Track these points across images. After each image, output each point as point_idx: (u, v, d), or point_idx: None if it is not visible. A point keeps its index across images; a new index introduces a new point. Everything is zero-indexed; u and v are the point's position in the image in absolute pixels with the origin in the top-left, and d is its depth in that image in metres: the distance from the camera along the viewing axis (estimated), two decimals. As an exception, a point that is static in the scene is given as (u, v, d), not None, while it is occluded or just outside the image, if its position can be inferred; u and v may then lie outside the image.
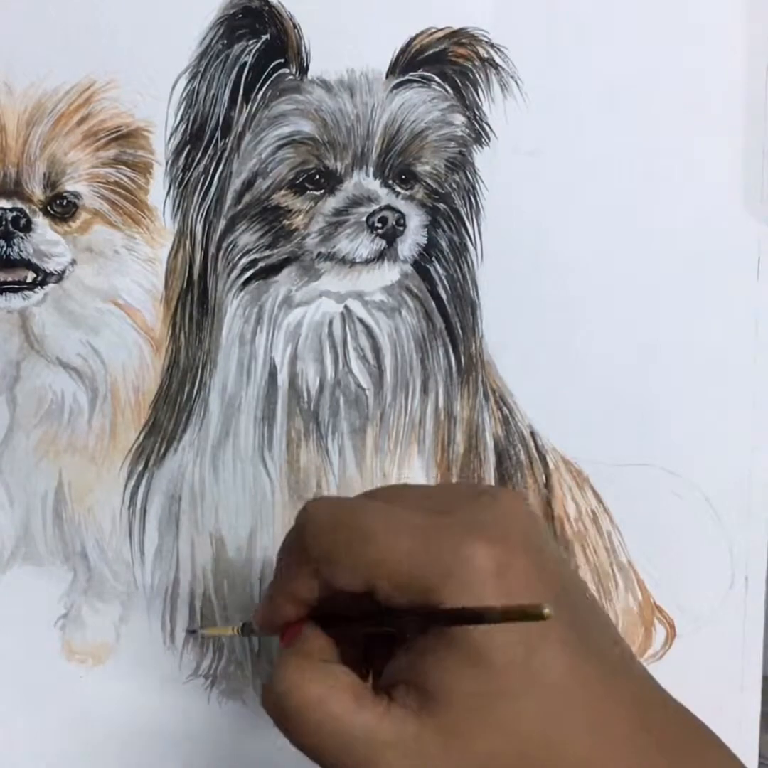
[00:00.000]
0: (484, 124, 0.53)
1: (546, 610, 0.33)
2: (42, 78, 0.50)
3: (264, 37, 0.50)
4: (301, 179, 0.51)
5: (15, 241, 0.50)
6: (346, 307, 0.53)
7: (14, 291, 0.51)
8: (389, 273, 0.52)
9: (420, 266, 0.53)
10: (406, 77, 0.52)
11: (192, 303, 0.52)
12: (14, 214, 0.50)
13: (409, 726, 0.37)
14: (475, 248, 0.53)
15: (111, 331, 0.52)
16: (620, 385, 0.54)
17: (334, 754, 0.38)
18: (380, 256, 0.51)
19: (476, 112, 0.53)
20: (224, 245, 0.51)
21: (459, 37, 0.52)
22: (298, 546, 0.41)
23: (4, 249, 0.50)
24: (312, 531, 0.40)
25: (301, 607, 0.41)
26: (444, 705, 0.37)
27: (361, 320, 0.53)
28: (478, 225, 0.53)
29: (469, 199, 0.53)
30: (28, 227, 0.50)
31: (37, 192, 0.50)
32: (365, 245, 0.51)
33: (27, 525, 0.52)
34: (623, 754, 0.38)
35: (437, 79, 0.52)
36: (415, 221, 0.52)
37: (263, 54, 0.50)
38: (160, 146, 0.51)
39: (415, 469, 0.53)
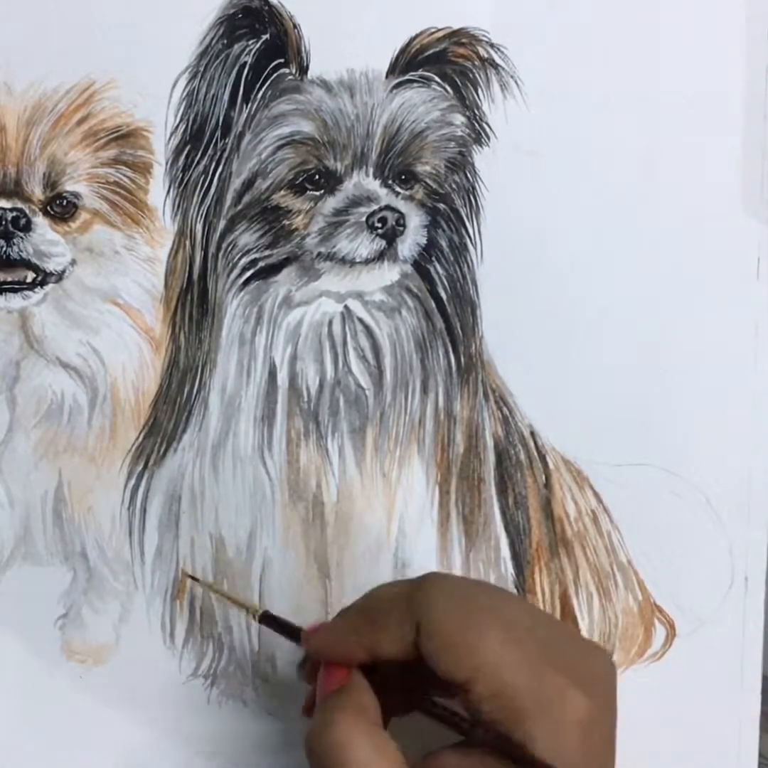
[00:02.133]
0: (484, 124, 0.53)
1: None
2: (42, 78, 0.50)
3: (264, 37, 0.50)
4: (301, 179, 0.51)
5: (15, 241, 0.50)
6: (346, 307, 0.53)
7: (14, 291, 0.51)
8: (389, 273, 0.52)
9: (420, 266, 0.53)
10: (406, 77, 0.52)
11: (192, 303, 0.52)
12: (14, 214, 0.50)
13: None
14: (475, 248, 0.53)
15: (111, 331, 0.52)
16: (620, 385, 0.54)
17: None
18: (380, 256, 0.51)
19: (476, 112, 0.53)
20: (224, 245, 0.51)
21: (459, 37, 0.52)
22: (406, 612, 0.41)
23: (4, 249, 0.50)
24: (429, 606, 0.40)
25: (369, 656, 0.41)
26: None
27: (361, 320, 0.53)
28: (478, 225, 0.53)
29: (469, 199, 0.53)
30: (28, 227, 0.50)
31: (37, 192, 0.50)
32: (365, 245, 0.51)
33: (27, 525, 0.52)
34: None
35: (437, 79, 0.52)
36: (415, 221, 0.52)
37: (263, 54, 0.50)
38: (160, 146, 0.51)
39: (415, 469, 0.53)
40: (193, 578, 0.52)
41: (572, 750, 0.37)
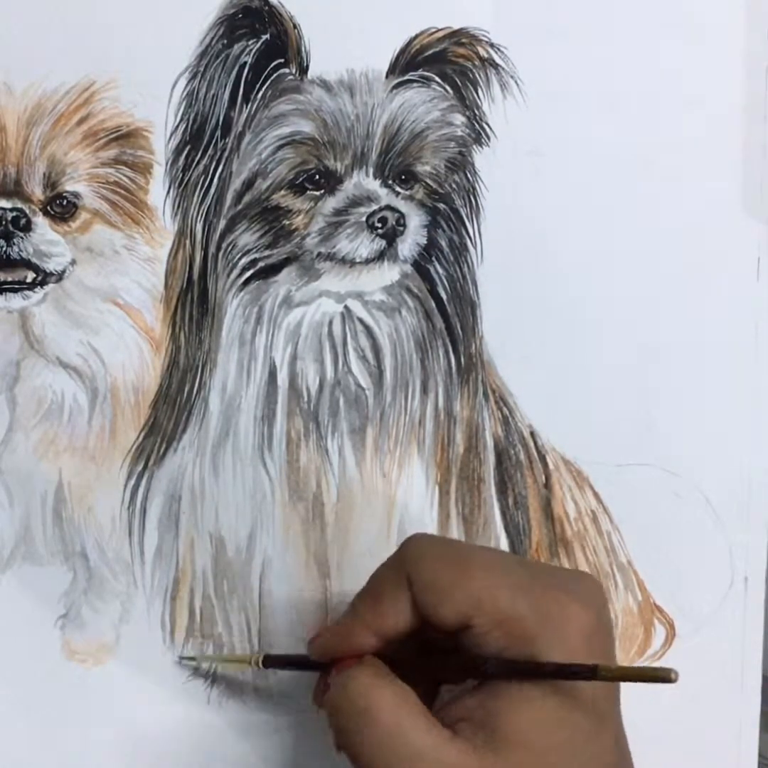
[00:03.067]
0: (484, 124, 0.53)
1: (673, 675, 0.35)
2: (42, 78, 0.50)
3: (264, 37, 0.50)
4: (301, 179, 0.51)
5: (15, 241, 0.50)
6: (346, 307, 0.53)
7: (14, 291, 0.51)
8: (389, 273, 0.52)
9: (420, 266, 0.53)
10: (406, 77, 0.52)
11: (192, 303, 0.52)
12: (14, 214, 0.50)
13: (470, 760, 0.38)
14: (475, 248, 0.53)
15: (111, 331, 0.52)
16: (620, 385, 0.54)
17: (389, 763, 0.38)
18: (380, 256, 0.51)
19: (476, 112, 0.53)
20: (224, 245, 0.51)
21: (459, 37, 0.52)
22: (397, 575, 0.41)
23: (4, 249, 0.50)
24: (416, 559, 0.41)
25: (378, 639, 0.42)
26: (516, 746, 0.38)
27: (361, 320, 0.53)
28: (478, 225, 0.53)
29: (469, 199, 0.53)
30: (28, 227, 0.50)
31: (37, 192, 0.50)
32: (365, 245, 0.51)
33: (27, 525, 0.52)
34: None
35: (437, 79, 0.52)
36: (415, 221, 0.52)
37: (263, 54, 0.50)
38: (160, 146, 0.51)
39: (415, 469, 0.53)
40: (190, 658, 0.52)
41: (579, 658, 0.38)
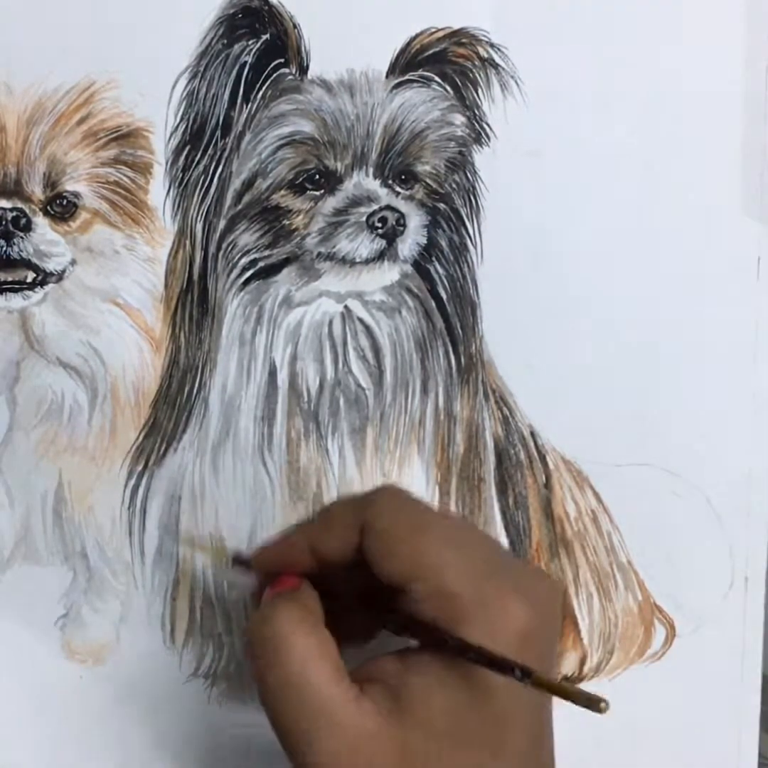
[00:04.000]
0: (484, 124, 0.53)
1: (603, 705, 0.34)
2: (42, 78, 0.50)
3: (264, 37, 0.50)
4: (301, 179, 0.51)
5: (15, 240, 0.50)
6: (346, 307, 0.53)
7: (14, 291, 0.51)
8: (389, 273, 0.52)
9: (420, 266, 0.53)
10: (406, 77, 0.52)
11: (192, 303, 0.52)
12: (14, 214, 0.50)
13: (369, 722, 0.38)
14: (475, 248, 0.53)
15: (111, 331, 0.52)
16: (620, 385, 0.54)
17: (292, 711, 0.38)
18: (380, 256, 0.51)
19: (476, 112, 0.53)
20: (224, 245, 0.51)
21: (459, 37, 0.52)
22: (356, 511, 0.41)
23: (4, 249, 0.50)
24: (381, 506, 0.41)
25: (315, 560, 0.41)
26: (420, 725, 0.38)
27: (361, 320, 0.53)
28: (478, 225, 0.53)
29: (469, 199, 0.53)
30: (28, 227, 0.50)
31: (37, 192, 0.50)
32: (365, 245, 0.51)
33: (27, 525, 0.52)
34: None
35: (437, 79, 0.52)
36: (415, 221, 0.52)
37: (263, 54, 0.50)
38: (160, 146, 0.51)
39: (415, 469, 0.53)
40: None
41: (509, 652, 0.37)
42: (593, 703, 0.34)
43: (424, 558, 0.39)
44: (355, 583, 0.42)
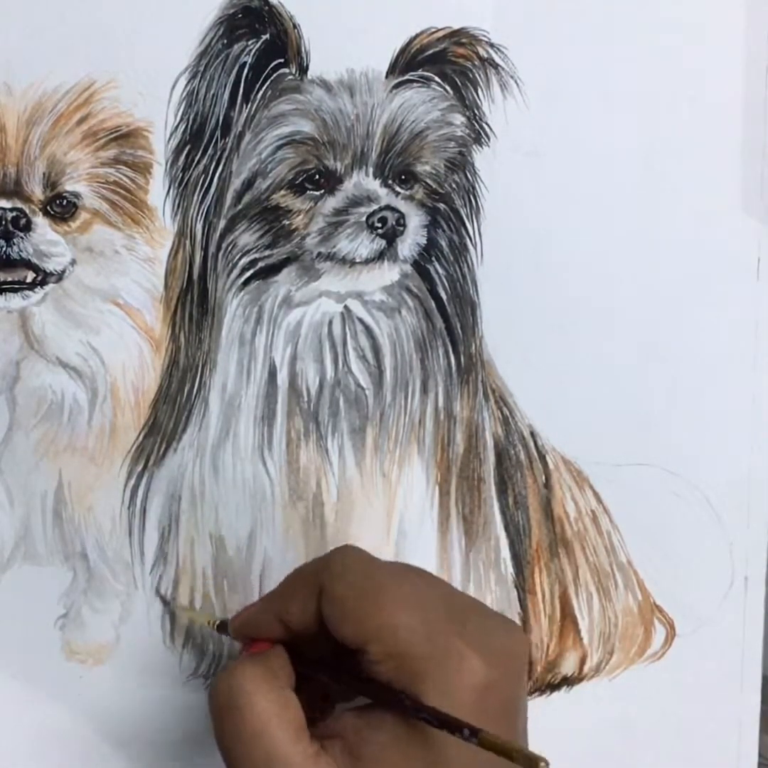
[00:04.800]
0: (484, 124, 0.53)
1: (542, 765, 0.35)
2: (42, 78, 0.50)
3: (264, 37, 0.50)
4: (300, 179, 0.51)
5: (15, 241, 0.50)
6: (346, 307, 0.53)
7: (14, 291, 0.51)
8: (389, 273, 0.52)
9: (420, 266, 0.53)
10: (406, 77, 0.52)
11: (192, 303, 0.52)
12: (14, 214, 0.50)
13: None
14: (475, 248, 0.53)
15: (111, 331, 0.52)
16: (620, 385, 0.54)
17: (246, 765, 0.39)
18: (380, 256, 0.51)
19: (476, 112, 0.53)
20: (224, 245, 0.51)
21: (459, 37, 0.52)
22: (313, 579, 0.42)
23: (4, 249, 0.50)
24: (335, 571, 0.41)
25: (285, 630, 0.42)
26: None
27: (361, 320, 0.53)
28: (478, 225, 0.53)
29: (469, 199, 0.53)
30: (28, 227, 0.50)
31: (37, 192, 0.50)
32: (365, 245, 0.51)
33: (27, 525, 0.52)
34: None
35: (437, 79, 0.52)
36: (415, 221, 0.52)
37: (263, 54, 0.50)
38: (160, 146, 0.51)
39: (415, 469, 0.53)
40: (164, 601, 0.52)
41: (464, 713, 0.37)
42: (534, 764, 0.35)
43: (378, 620, 0.39)
44: (327, 646, 0.42)
